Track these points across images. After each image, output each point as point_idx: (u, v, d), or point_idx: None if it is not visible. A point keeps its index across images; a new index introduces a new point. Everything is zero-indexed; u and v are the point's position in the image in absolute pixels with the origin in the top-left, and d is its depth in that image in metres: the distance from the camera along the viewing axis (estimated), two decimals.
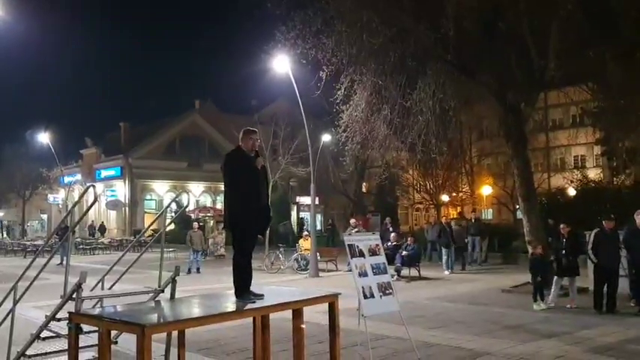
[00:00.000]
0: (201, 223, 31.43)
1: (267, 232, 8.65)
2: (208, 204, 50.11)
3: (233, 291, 5.95)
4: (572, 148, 48.73)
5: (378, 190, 43.53)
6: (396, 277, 16.87)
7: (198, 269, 21.19)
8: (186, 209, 32.23)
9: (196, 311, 5.80)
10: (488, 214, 50.99)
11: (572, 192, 28.27)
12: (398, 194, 46.45)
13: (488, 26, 14.58)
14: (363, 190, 44.09)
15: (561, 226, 12.34)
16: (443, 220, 23.15)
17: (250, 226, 5.79)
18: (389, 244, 18.40)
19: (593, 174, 35.98)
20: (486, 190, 46.41)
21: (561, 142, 47.00)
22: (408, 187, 47.39)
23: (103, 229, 46.84)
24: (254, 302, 5.65)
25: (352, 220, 21.51)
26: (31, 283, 6.38)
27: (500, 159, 41.51)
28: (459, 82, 15.88)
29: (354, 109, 16.22)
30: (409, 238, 19.02)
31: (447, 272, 19.60)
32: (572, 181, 31.53)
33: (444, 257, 20.09)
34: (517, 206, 41.12)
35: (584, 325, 10.21)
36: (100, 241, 38.53)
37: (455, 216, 47.19)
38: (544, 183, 42.02)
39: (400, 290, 11.97)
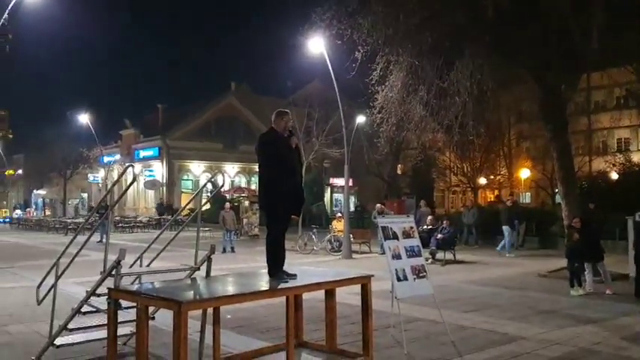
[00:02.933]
0: (235, 204, 31.98)
1: (301, 212, 8.67)
2: (243, 184, 50.98)
3: (266, 270, 6.00)
4: (616, 131, 47.51)
5: (413, 173, 43.14)
6: (430, 260, 16.74)
7: (232, 248, 21.44)
8: (222, 189, 32.58)
9: (231, 289, 5.88)
10: (526, 198, 50.27)
11: (614, 176, 27.61)
12: (434, 177, 45.96)
13: (528, 5, 14.28)
14: (398, 171, 43.77)
15: (574, 220, 12.25)
16: (508, 199, 22.82)
17: (284, 206, 5.82)
18: (424, 227, 18.32)
19: (638, 158, 35.07)
20: (524, 173, 45.71)
21: (604, 124, 45.89)
22: (444, 170, 46.86)
23: (170, 208, 47.02)
24: (287, 282, 5.70)
25: (378, 205, 21.14)
26: (72, 260, 6.54)
27: (539, 142, 40.71)
28: (496, 63, 15.63)
29: (389, 90, 16.10)
30: (445, 221, 18.84)
31: (507, 255, 19.38)
32: (614, 165, 30.78)
33: (506, 239, 19.80)
34: (556, 190, 40.52)
35: (623, 312, 9.99)
36: (138, 219, 39.21)
37: (492, 199, 46.74)
38: (585, 166, 41.11)
39: (434, 273, 12.17)
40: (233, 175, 54.02)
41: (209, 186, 29.81)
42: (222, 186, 23.88)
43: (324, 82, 26.56)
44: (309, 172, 35.65)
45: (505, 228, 20.01)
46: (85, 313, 6.44)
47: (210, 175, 48.77)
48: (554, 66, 14.82)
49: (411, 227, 8.53)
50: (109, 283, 5.65)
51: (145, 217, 41.89)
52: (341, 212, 24.67)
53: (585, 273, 12.05)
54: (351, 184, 25.11)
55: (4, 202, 74.50)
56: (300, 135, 27.94)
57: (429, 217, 19.59)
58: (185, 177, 53.65)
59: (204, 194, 26.54)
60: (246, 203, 31.21)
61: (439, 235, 17.94)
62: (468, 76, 15.24)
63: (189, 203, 9.64)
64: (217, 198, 32.67)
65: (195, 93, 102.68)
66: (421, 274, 8.15)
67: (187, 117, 53.54)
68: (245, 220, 30.07)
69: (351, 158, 21.81)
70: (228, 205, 23.50)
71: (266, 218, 6.01)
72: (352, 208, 39.32)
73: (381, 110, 16.48)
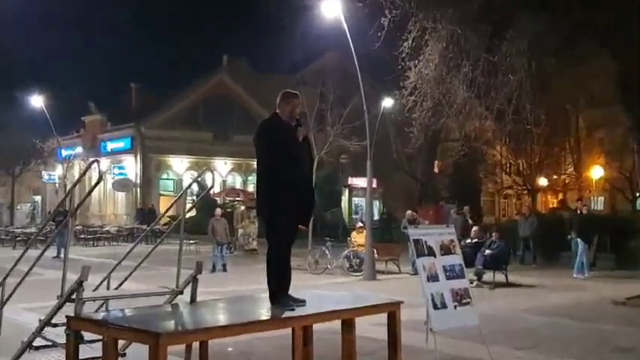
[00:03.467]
0: (228, 209, 31.98)
1: (311, 221, 9.43)
2: (238, 185, 51.07)
3: (267, 295, 6.04)
4: None
5: (454, 171, 42.89)
6: (476, 282, 16.83)
7: (224, 266, 21.61)
8: (211, 192, 32.60)
9: (222, 318, 5.97)
10: (598, 204, 49.88)
11: None
12: (481, 176, 45.59)
13: None
14: (435, 169, 43.54)
15: None
16: (581, 205, 22.60)
17: (289, 214, 5.88)
18: (468, 240, 18.27)
19: None
20: (597, 172, 45.31)
21: None
22: (494, 168, 46.68)
23: (152, 213, 45.27)
24: (293, 309, 5.75)
25: (409, 213, 21.32)
26: (21, 280, 6.57)
27: (616, 132, 40.36)
28: (562, 33, 15.67)
29: (424, 65, 16.16)
30: (494, 233, 18.76)
31: (580, 276, 19.41)
32: None
33: (580, 257, 19.71)
34: (638, 194, 39.92)
35: None
36: (105, 229, 38.89)
37: (555, 205, 46.44)
38: None
39: (481, 299, 11.90)
40: (225, 173, 53.99)
41: (195, 187, 29.23)
42: (212, 187, 23.87)
43: (341, 56, 26.82)
44: (322, 170, 35.55)
45: (578, 241, 19.91)
46: (37, 348, 6.44)
47: (196, 174, 46.04)
48: (636, 37, 14.75)
49: (452, 241, 8.59)
50: (69, 310, 5.65)
51: (114, 226, 41.62)
52: (362, 221, 24.79)
53: None
54: (375, 185, 25.37)
55: None
56: (311, 122, 26.77)
57: (474, 229, 19.45)
58: (165, 176, 53.75)
59: (188, 198, 25.97)
60: (242, 209, 31.18)
61: (487, 251, 17.87)
62: (524, 49, 15.37)
63: (169, 209, 9.58)
64: (205, 202, 32.53)
65: (179, 70, 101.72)
66: (464, 301, 8.21)
67: (168, 99, 53.44)
68: (240, 231, 29.96)
69: (375, 152, 21.80)
70: (219, 211, 23.40)
71: (266, 228, 6.09)
72: (376, 216, 39.08)
73: (413, 91, 16.54)
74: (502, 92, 16.00)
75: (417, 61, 16.19)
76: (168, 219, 28.10)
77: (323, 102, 32.44)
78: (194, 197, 29.87)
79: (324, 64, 42.33)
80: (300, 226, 6.21)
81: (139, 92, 55.97)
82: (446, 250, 8.45)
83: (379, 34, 15.52)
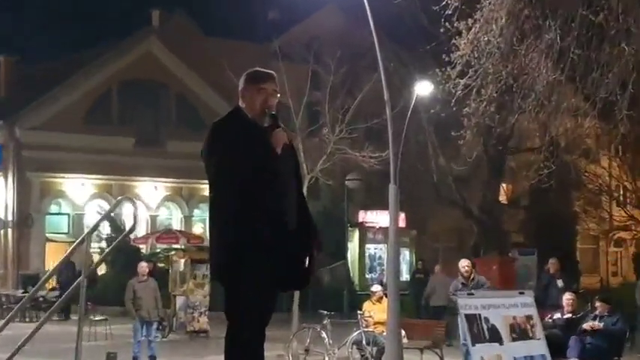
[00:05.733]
0: (159, 264, 27.80)
1: (303, 284, 5.47)
2: (176, 224, 40.41)
3: None
4: None
5: (532, 201, 35.29)
6: None
7: (152, 359, 17.33)
8: (132, 234, 27.15)
9: None
10: None
11: None
12: (576, 209, 37.71)
13: None
14: (501, 198, 35.64)
15: None
16: None
17: (262, 271, 4.86)
18: (556, 315, 15.11)
19: None
20: None
21: None
22: (598, 195, 37.59)
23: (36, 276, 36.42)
24: None
25: (463, 262, 16.67)
26: None
27: None
28: None
29: (483, 28, 13.85)
30: (599, 304, 15.24)
31: None
32: None
33: None
34: None
35: None
36: None
37: None
38: None
39: None
40: (156, 204, 41.28)
41: (104, 228, 26.30)
42: (134, 227, 17.47)
43: (345, 13, 24.02)
44: (315, 200, 29.11)
45: None
46: None
47: (107, 205, 36.09)
48: None
49: (529, 317, 8.48)
50: None
51: None
52: (382, 283, 21.21)
53: None
54: (403, 223, 23.71)
55: None
56: (297, 121, 22.84)
57: (567, 296, 15.60)
58: (54, 208, 40.95)
59: (94, 245, 22.83)
60: (183, 263, 24.95)
61: (587, 326, 14.37)
62: None
63: (61, 264, 9.82)
64: (122, 253, 27.21)
65: (79, 35, 72.16)
66: None
67: (60, 81, 40.30)
68: (180, 300, 23.77)
69: (404, 171, 19.06)
70: (144, 266, 18.24)
71: (226, 296, 5.01)
72: (406, 275, 32.22)
73: (465, 71, 14.39)
74: (611, 73, 13.56)
75: (471, 22, 13.79)
76: (58, 282, 24.46)
77: (317, 88, 26.33)
78: (103, 244, 27.17)
79: (317, 25, 34.83)
80: (280, 290, 5.21)
81: (10, 70, 42.67)
82: (520, 332, 8.14)
83: None
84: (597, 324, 14.49)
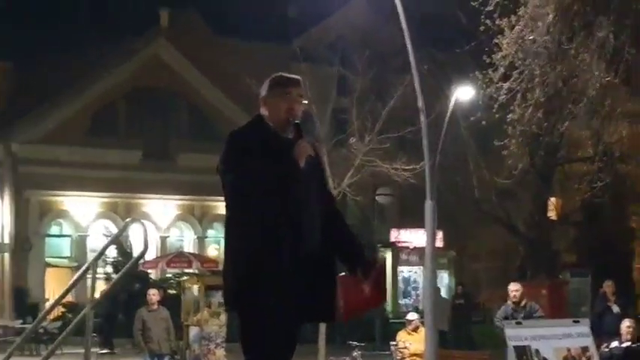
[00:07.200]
0: (170, 291, 26.66)
1: (330, 315, 4.70)
2: (189, 247, 38.72)
3: None
4: None
5: (585, 217, 33.75)
6: None
7: None
8: (141, 260, 26.11)
9: None
10: None
11: None
12: (633, 224, 36.28)
13: None
14: (550, 214, 33.90)
15: None
16: None
17: (277, 298, 4.56)
18: (613, 343, 14.21)
19: None
20: None
21: None
22: None
23: (21, 294, 34.37)
24: None
25: (513, 287, 15.70)
26: None
27: None
28: None
29: (528, 26, 13.73)
30: None
31: None
32: None
33: None
34: None
35: None
36: None
37: None
38: None
39: None
40: (166, 224, 39.94)
41: (110, 251, 25.26)
42: (143, 253, 16.52)
43: (374, 9, 23.20)
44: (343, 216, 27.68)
45: None
46: None
47: (113, 226, 35.02)
48: None
49: (585, 348, 8.21)
50: None
51: None
52: (417, 310, 20.76)
53: None
54: (441, 243, 23.27)
55: None
56: (323, 130, 21.34)
57: (626, 324, 14.54)
58: (55, 229, 39.81)
59: (100, 271, 21.14)
60: (195, 290, 23.76)
61: None
62: None
63: (66, 294, 8.21)
64: (129, 277, 25.82)
65: (82, 39, 52.80)
66: None
67: (60, 90, 39.38)
68: (194, 331, 22.40)
69: (442, 184, 19.17)
70: (154, 294, 17.36)
71: (241, 327, 4.70)
72: (446, 297, 30.50)
73: (509, 74, 14.22)
74: None
75: (515, 19, 13.59)
76: (62, 311, 24.14)
77: (343, 93, 25.17)
78: (109, 269, 26.15)
79: (342, 23, 33.15)
80: (308, 321, 4.94)
81: (5, 77, 40.97)
82: None
83: None
84: None
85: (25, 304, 31.26)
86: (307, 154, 4.75)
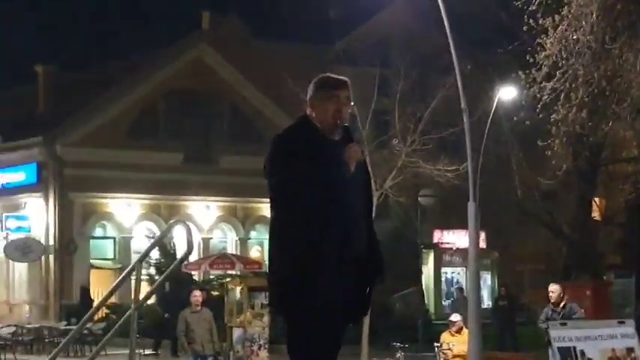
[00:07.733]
0: (213, 292, 26.61)
1: (367, 313, 4.97)
2: (230, 248, 38.06)
3: None
4: None
5: (629, 218, 31.87)
6: None
7: None
8: (185, 262, 25.09)
9: None
10: None
11: None
12: None
13: None
14: (594, 215, 32.66)
15: None
16: None
17: (328, 301, 4.55)
18: None
19: None
20: None
21: None
22: None
23: (86, 298, 32.97)
24: None
25: (552, 287, 15.37)
26: None
27: None
28: None
29: (571, 25, 13.64)
30: None
31: None
32: None
33: None
34: None
35: None
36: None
37: None
38: None
39: None
40: (208, 225, 39.20)
41: (153, 252, 24.39)
42: (188, 254, 15.98)
43: (416, 11, 22.74)
44: (384, 220, 27.09)
45: None
46: None
47: (156, 227, 35.07)
48: None
49: (630, 349, 8.07)
50: None
51: (9, 325, 30.42)
52: (461, 313, 19.84)
53: None
54: (483, 244, 22.91)
55: None
56: (364, 131, 21.08)
57: None
58: (99, 231, 39.28)
59: (144, 273, 21.72)
60: (238, 291, 23.38)
61: None
62: None
63: (110, 295, 8.88)
64: (173, 279, 25.10)
65: (122, 43, 62.95)
66: None
67: (103, 92, 38.41)
68: (237, 333, 21.54)
69: (484, 186, 18.55)
70: (198, 295, 17.41)
71: (287, 329, 4.71)
72: (488, 302, 31.02)
73: (552, 73, 14.10)
74: None
75: (558, 18, 13.58)
76: (106, 312, 24.19)
77: (385, 94, 24.83)
78: (152, 270, 25.79)
79: (384, 24, 33.03)
80: (352, 322, 4.93)
81: (50, 81, 39.74)
82: None
83: None
84: None
85: (89, 303, 30.40)
86: (358, 158, 4.70)
